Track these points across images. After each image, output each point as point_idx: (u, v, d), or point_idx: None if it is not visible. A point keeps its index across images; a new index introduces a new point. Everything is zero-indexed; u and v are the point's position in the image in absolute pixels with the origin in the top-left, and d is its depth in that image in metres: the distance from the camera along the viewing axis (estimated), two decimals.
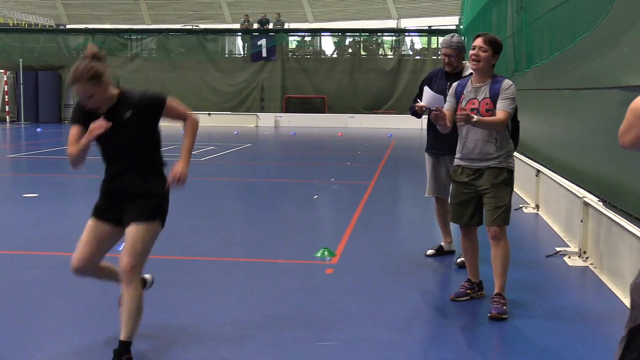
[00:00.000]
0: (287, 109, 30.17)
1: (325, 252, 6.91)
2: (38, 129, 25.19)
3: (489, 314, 5.16)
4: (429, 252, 7.03)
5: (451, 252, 7.04)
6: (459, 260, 6.57)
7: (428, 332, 5.04)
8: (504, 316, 5.15)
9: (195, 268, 6.63)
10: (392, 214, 10.02)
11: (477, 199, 5.41)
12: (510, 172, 5.38)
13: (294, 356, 4.46)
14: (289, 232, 8.49)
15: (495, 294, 5.31)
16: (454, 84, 5.60)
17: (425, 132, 7.00)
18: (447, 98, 5.59)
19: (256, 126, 28.96)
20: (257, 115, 29.71)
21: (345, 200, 10.74)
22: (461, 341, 4.82)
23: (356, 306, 5.45)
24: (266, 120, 29.53)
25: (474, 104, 5.34)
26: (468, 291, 5.63)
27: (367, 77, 29.91)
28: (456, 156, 5.51)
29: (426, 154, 6.89)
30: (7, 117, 28.58)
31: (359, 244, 7.55)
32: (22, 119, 28.79)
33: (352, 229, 8.30)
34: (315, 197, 10.96)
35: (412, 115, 6.32)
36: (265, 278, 6.26)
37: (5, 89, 28.99)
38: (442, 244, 7.07)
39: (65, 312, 5.33)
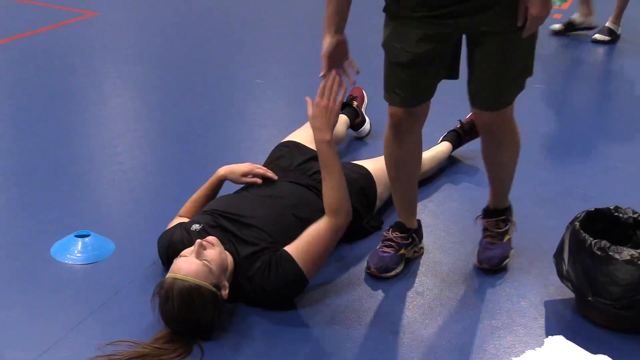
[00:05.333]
0: None
1: None
2: None
3: (478, 264, 2.69)
4: (555, 26, 5.59)
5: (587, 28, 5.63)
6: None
7: None
8: (504, 263, 2.68)
9: None
10: None
11: (455, 49, 2.38)
12: None
13: None
14: None
15: (489, 210, 2.73)
16: None
17: None
18: None
19: None
20: None
21: None
22: None
23: (579, 53, 5.30)
24: None
25: None
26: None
27: None
28: None
29: None
30: None
31: None
32: None
33: None
34: None
35: None
36: None
37: None
38: (574, 15, 5.63)
39: None
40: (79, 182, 3.28)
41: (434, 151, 3.29)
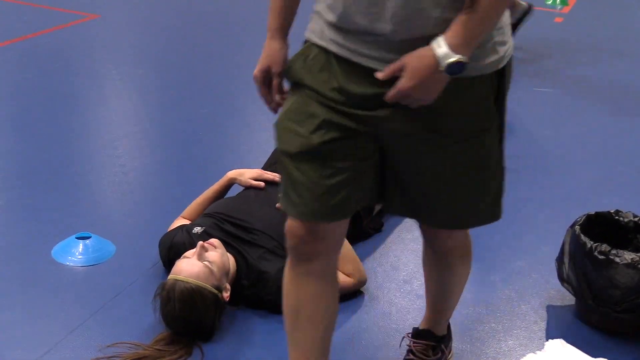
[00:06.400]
0: None
1: (557, 0, 6.61)
2: None
3: None
4: None
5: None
6: None
7: None
8: None
9: None
10: None
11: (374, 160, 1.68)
12: (508, 65, 1.63)
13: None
14: None
15: (421, 331, 2.14)
16: None
17: None
18: None
19: None
20: None
21: None
22: None
23: (580, 57, 5.30)
24: None
25: None
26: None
27: None
28: (328, 18, 1.61)
29: None
30: None
31: None
32: None
33: None
34: None
35: None
36: None
37: None
38: None
39: None
40: (80, 183, 3.28)
41: None
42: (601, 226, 2.48)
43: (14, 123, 3.94)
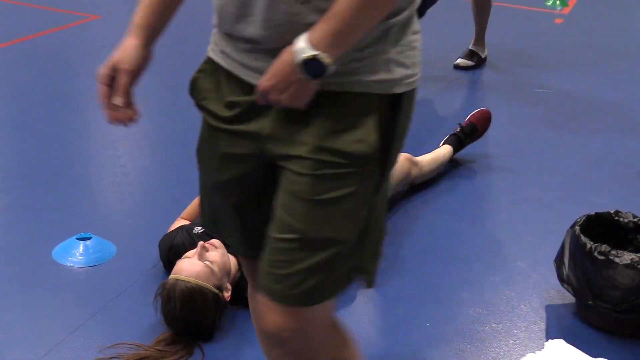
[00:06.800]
0: None
1: (557, 1, 6.62)
2: None
3: None
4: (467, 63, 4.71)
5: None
6: None
7: None
8: None
9: None
10: None
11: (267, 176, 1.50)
12: (406, 97, 1.40)
13: (516, 96, 4.52)
14: None
15: None
16: None
17: None
18: None
19: None
20: None
21: None
22: None
23: (580, 58, 5.30)
24: None
25: None
26: None
27: None
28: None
29: None
30: None
31: None
32: None
33: None
34: None
35: None
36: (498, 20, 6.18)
37: None
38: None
39: None
40: (80, 183, 3.28)
41: (435, 154, 3.29)
42: (601, 226, 2.48)
43: (14, 123, 3.94)
